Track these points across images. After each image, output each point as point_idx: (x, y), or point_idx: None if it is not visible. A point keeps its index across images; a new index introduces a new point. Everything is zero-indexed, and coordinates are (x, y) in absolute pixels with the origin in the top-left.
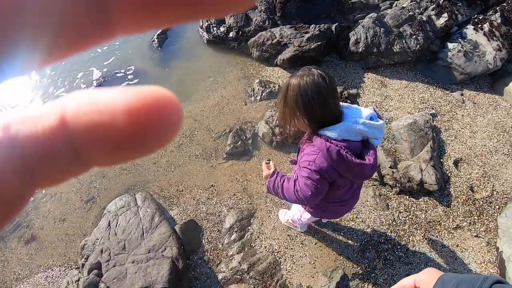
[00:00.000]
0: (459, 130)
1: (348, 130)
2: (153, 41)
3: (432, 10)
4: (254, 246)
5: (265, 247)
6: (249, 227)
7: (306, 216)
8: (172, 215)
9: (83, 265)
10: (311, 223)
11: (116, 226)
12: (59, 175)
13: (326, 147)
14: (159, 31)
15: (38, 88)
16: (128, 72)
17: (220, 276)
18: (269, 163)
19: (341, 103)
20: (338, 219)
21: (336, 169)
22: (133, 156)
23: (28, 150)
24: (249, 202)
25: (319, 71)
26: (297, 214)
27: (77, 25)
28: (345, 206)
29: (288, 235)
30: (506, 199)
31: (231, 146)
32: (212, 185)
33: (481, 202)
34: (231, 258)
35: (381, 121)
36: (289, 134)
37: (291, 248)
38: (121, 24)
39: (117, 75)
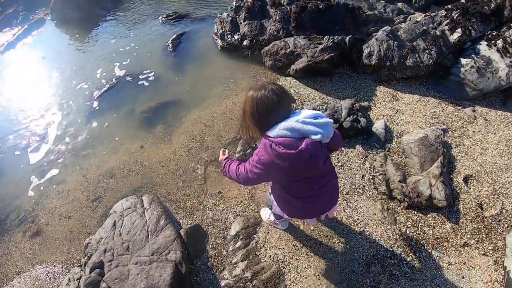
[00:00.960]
0: (470, 147)
1: (282, 128)
2: (168, 45)
3: (446, 25)
4: (259, 254)
5: (270, 256)
6: (255, 235)
7: (277, 208)
8: (178, 219)
9: (85, 263)
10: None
11: (121, 226)
12: None
13: (264, 143)
14: (174, 36)
15: (61, 82)
16: (142, 75)
17: (222, 283)
18: (225, 151)
19: (295, 109)
20: (318, 220)
21: (274, 162)
22: None
23: None
24: (255, 210)
25: (272, 86)
26: (275, 203)
27: None
28: (313, 203)
29: (294, 245)
30: None
31: (241, 153)
32: (219, 191)
33: (489, 220)
34: (234, 265)
35: (324, 119)
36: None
37: (296, 259)
38: None
39: (131, 76)
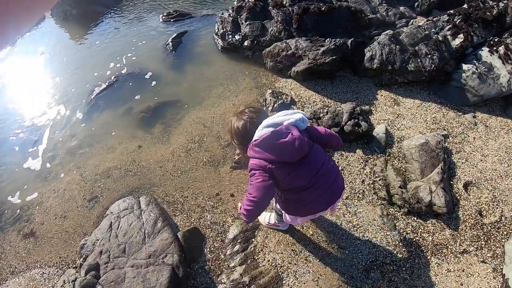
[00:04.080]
0: (470, 153)
1: (262, 127)
2: (168, 44)
3: (448, 30)
4: (257, 259)
5: (268, 260)
6: (253, 239)
7: (287, 217)
8: (176, 221)
9: (81, 265)
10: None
11: (117, 228)
12: None
13: (250, 149)
14: (175, 34)
15: (59, 79)
16: (142, 74)
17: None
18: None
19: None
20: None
21: (263, 154)
22: None
23: None
24: None
25: (252, 113)
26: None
27: None
28: (317, 191)
29: (293, 250)
30: None
31: (240, 155)
32: (217, 193)
33: (489, 227)
34: (232, 269)
35: (292, 111)
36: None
37: (295, 264)
38: None
39: (131, 75)
